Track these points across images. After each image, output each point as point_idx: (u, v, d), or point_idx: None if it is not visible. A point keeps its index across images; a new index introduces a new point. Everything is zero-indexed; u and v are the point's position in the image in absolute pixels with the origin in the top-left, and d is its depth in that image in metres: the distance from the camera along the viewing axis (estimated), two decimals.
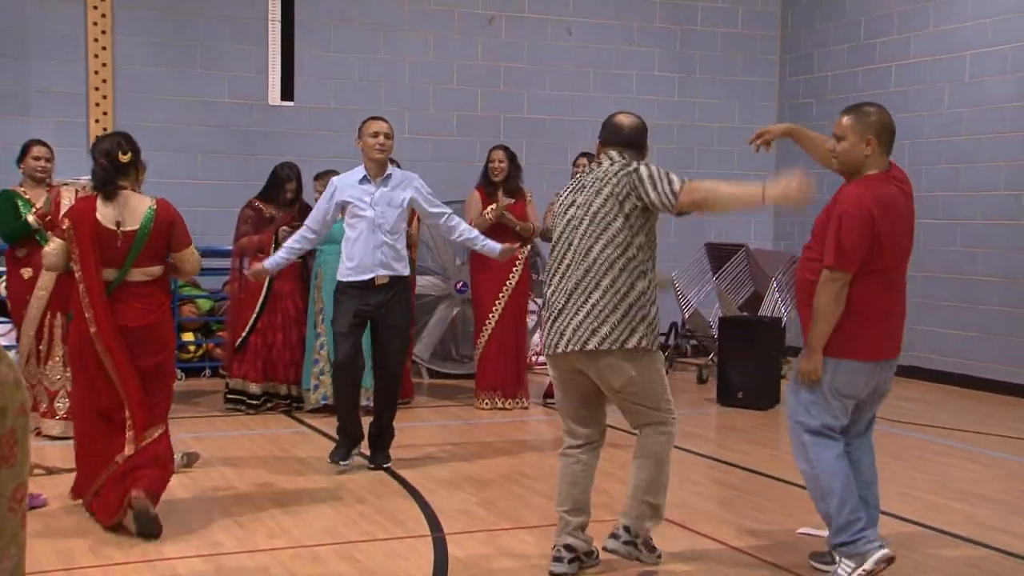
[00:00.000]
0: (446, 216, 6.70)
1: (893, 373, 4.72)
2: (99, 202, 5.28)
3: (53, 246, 5.35)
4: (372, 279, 6.35)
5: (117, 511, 5.08)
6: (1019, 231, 9.64)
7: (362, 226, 6.38)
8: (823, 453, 4.55)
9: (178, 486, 6.05)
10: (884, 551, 4.43)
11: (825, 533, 5.16)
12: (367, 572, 4.66)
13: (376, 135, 6.41)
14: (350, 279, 6.40)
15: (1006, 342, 9.73)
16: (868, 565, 4.40)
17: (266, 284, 8.11)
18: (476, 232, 6.96)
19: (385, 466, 6.50)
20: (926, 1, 10.53)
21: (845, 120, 4.63)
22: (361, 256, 6.35)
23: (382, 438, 6.59)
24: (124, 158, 5.32)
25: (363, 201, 6.39)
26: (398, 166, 6.88)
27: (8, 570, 2.05)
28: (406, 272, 6.54)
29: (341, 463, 6.47)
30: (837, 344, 4.52)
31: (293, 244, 6.61)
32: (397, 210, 6.45)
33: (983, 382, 9.85)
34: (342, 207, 6.50)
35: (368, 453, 6.61)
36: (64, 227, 5.29)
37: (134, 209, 5.27)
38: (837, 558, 4.53)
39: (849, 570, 4.44)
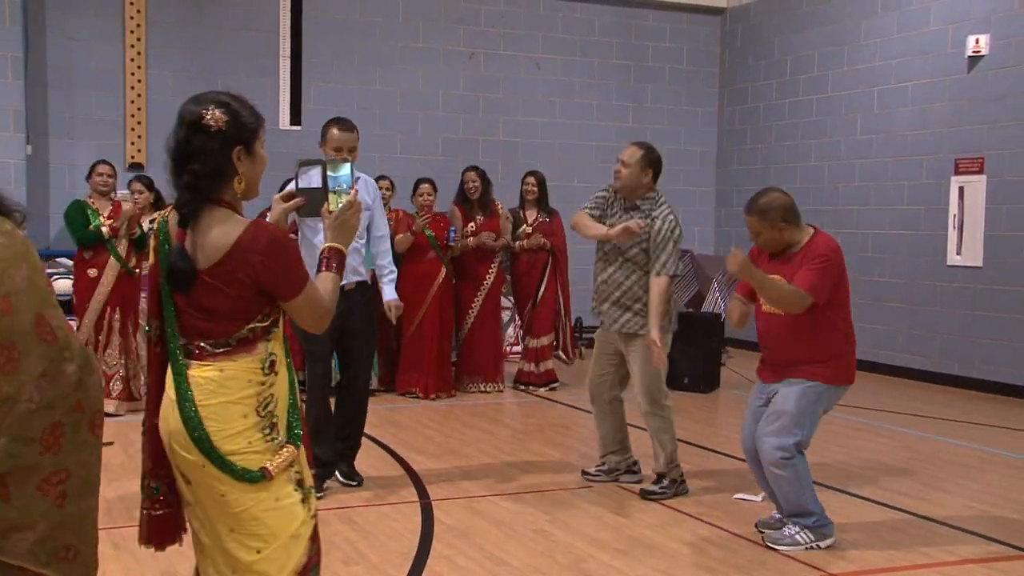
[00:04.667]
0: (383, 238, 5.48)
1: None
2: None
3: None
4: (342, 286, 5.46)
5: None
6: (919, 239, 9.71)
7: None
8: (804, 462, 4.58)
9: None
10: (834, 538, 4.60)
11: (757, 498, 5.24)
12: (364, 533, 4.66)
13: (339, 150, 5.04)
14: None
15: (908, 334, 9.82)
16: (823, 543, 4.56)
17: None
18: (388, 278, 5.49)
19: (354, 483, 5.43)
20: (841, 44, 10.60)
21: (752, 221, 4.48)
22: None
23: (354, 450, 5.50)
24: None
25: None
26: (391, 184, 6.80)
27: (32, 540, 1.95)
28: (367, 278, 5.43)
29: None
30: (837, 374, 4.55)
31: None
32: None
33: (888, 368, 9.91)
34: None
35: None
36: None
37: None
38: (795, 527, 4.57)
39: (808, 540, 4.55)
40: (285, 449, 2.56)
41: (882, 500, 5.40)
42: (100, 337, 7.07)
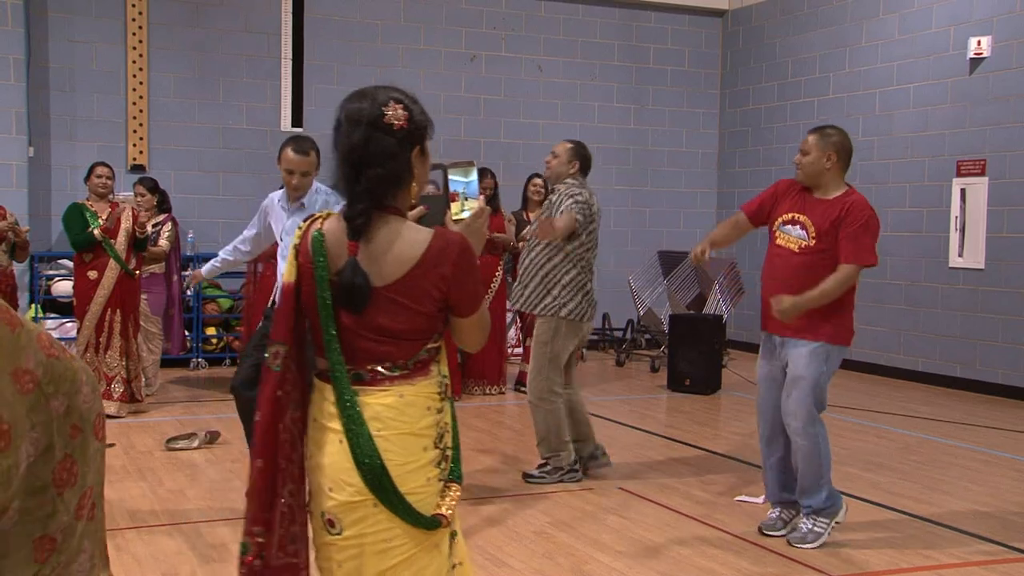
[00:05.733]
0: None
1: None
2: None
3: None
4: None
5: None
6: (921, 241, 9.72)
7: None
8: (824, 431, 4.60)
9: (202, 460, 6.04)
10: (846, 508, 4.67)
11: (759, 500, 5.23)
12: None
13: (291, 173, 4.74)
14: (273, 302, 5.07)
15: (909, 336, 9.82)
16: (840, 517, 4.63)
17: (276, 286, 8.11)
18: None
19: None
20: (843, 46, 10.60)
21: (811, 138, 4.63)
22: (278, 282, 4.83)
23: None
24: None
25: (275, 227, 5.04)
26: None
27: (88, 561, 1.89)
28: None
29: None
30: (838, 333, 4.55)
31: (224, 255, 5.45)
32: None
33: (889, 370, 9.92)
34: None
35: None
36: None
37: None
38: (809, 521, 4.61)
39: (825, 527, 4.60)
40: (452, 488, 2.30)
41: (883, 502, 5.40)
42: (101, 339, 7.06)
